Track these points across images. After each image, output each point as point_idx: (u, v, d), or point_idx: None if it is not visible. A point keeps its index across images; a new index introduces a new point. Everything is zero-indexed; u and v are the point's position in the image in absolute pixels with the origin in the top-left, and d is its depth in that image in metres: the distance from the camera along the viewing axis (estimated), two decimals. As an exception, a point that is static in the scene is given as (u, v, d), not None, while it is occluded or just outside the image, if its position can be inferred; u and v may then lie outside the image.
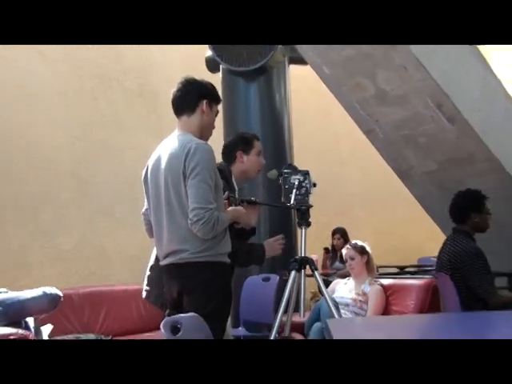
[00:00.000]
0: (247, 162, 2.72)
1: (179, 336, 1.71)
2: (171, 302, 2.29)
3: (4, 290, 3.10)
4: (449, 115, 3.87)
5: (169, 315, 2.24)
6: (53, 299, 3.11)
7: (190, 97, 2.29)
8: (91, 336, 3.39)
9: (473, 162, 4.07)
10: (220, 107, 4.82)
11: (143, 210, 2.44)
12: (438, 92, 3.77)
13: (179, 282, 2.22)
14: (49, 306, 3.08)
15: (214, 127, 2.40)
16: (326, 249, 6.11)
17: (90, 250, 5.09)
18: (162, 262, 2.31)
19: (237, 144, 2.75)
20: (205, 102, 2.29)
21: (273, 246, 2.67)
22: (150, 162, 2.35)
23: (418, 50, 3.63)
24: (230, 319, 2.65)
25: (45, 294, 3.09)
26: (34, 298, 3.04)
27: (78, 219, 5.35)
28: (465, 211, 3.31)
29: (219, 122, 4.81)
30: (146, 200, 2.39)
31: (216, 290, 2.19)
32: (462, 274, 3.16)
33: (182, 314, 1.90)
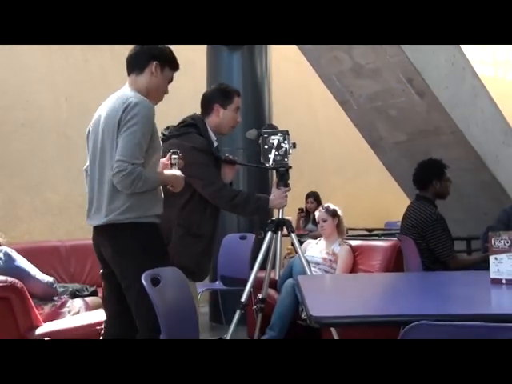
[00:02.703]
0: (223, 116, 2.53)
1: (159, 287, 1.70)
2: (103, 261, 2.14)
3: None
4: (419, 90, 3.86)
5: (103, 274, 2.16)
6: (51, 293, 3.02)
7: (142, 56, 2.14)
8: (77, 286, 3.39)
9: (439, 134, 4.10)
10: (204, 75, 4.83)
11: (85, 167, 2.24)
12: (409, 67, 3.74)
13: (111, 243, 2.06)
14: (44, 294, 2.98)
15: (165, 92, 2.22)
16: (300, 209, 6.16)
17: (76, 206, 5.02)
18: (91, 222, 2.13)
19: (216, 96, 2.55)
20: (155, 63, 2.14)
21: (279, 197, 2.57)
22: (94, 117, 2.18)
23: (393, 26, 3.58)
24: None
25: (49, 284, 3.02)
26: (38, 280, 2.95)
27: (64, 176, 5.26)
28: (427, 178, 3.35)
29: (202, 88, 4.78)
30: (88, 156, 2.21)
31: (149, 252, 2.03)
32: (423, 237, 3.21)
33: (161, 268, 1.86)
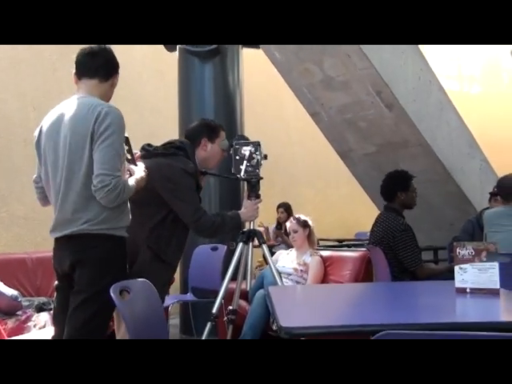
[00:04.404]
0: (210, 151, 2.50)
1: (128, 300, 1.68)
2: (61, 274, 2.05)
3: None
4: (387, 102, 3.95)
5: (57, 288, 2.08)
6: (15, 306, 2.94)
7: (110, 66, 2.08)
8: (43, 299, 3.31)
9: (407, 146, 4.19)
10: (175, 85, 4.83)
11: (34, 177, 2.16)
12: (378, 80, 3.83)
13: (73, 254, 1.96)
14: (8, 308, 2.90)
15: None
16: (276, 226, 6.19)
17: (42, 217, 4.94)
18: (55, 234, 2.03)
19: (203, 130, 2.53)
20: (117, 76, 2.11)
21: (251, 210, 2.55)
22: (45, 124, 2.07)
23: (362, 40, 3.66)
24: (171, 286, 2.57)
25: (13, 298, 2.93)
26: (1, 293, 2.88)
27: (31, 187, 5.15)
28: (392, 190, 3.41)
29: (174, 98, 4.78)
30: (38, 166, 2.11)
31: (112, 265, 1.97)
32: (392, 247, 3.26)
33: (131, 280, 1.84)
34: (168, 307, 3.34)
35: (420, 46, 4.21)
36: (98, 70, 2.07)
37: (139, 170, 2.13)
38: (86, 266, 1.95)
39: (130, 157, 2.11)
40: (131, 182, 2.01)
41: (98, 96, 2.05)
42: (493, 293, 1.71)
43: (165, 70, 5.61)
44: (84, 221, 1.95)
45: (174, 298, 3.63)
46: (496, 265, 1.74)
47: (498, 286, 1.72)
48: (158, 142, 2.54)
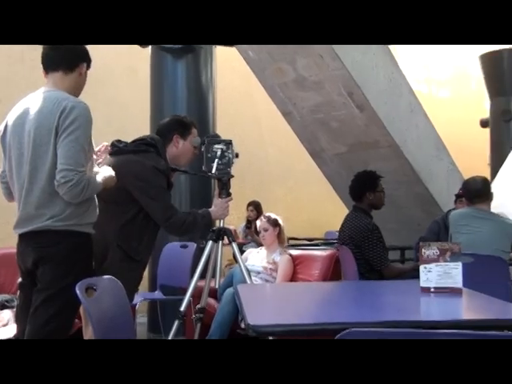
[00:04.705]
0: (182, 148, 2.49)
1: (94, 298, 1.66)
2: (24, 271, 2.01)
3: None
4: (359, 103, 3.99)
5: (21, 285, 2.05)
6: None
7: (73, 56, 2.04)
8: (7, 297, 3.24)
9: (378, 147, 4.24)
10: (147, 82, 4.78)
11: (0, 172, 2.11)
12: (350, 81, 3.87)
13: (37, 251, 1.93)
14: None
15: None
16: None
17: (5, 213, 4.83)
18: (18, 230, 1.99)
19: (175, 127, 2.51)
20: (85, 64, 2.07)
21: (222, 208, 2.55)
22: (11, 118, 2.02)
23: (335, 41, 3.69)
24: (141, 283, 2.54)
25: None
26: None
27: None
28: (361, 191, 3.46)
29: (146, 94, 4.73)
30: (3, 161, 2.05)
31: (77, 261, 1.94)
32: (359, 247, 3.31)
33: (98, 277, 1.81)
34: (135, 305, 3.31)
35: (392, 50, 4.27)
36: (61, 61, 2.02)
37: (109, 169, 2.10)
38: (49, 262, 1.92)
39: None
40: (98, 178, 1.98)
41: (66, 88, 2.01)
42: (456, 292, 1.75)
43: (137, 66, 5.54)
44: (48, 217, 1.91)
45: (141, 295, 3.59)
46: (459, 265, 1.78)
47: (460, 286, 1.76)
48: (128, 139, 2.51)
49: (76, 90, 2.07)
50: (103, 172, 2.08)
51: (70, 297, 1.66)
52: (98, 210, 2.06)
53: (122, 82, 5.91)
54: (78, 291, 1.60)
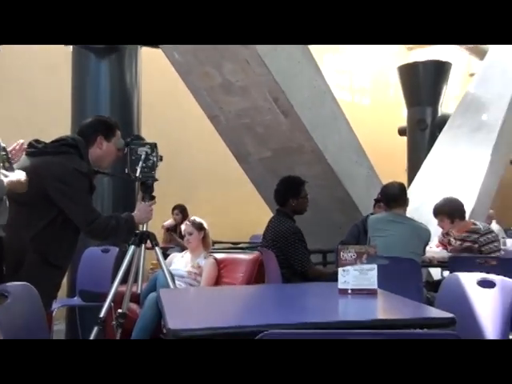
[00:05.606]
0: (106, 149, 2.39)
1: (6, 305, 1.58)
2: None
3: None
4: (283, 109, 4.07)
5: None
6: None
7: None
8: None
9: (301, 152, 4.35)
10: (69, 81, 4.60)
11: None
12: (275, 87, 3.94)
13: None
14: None
15: None
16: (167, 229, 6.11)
17: None
18: None
19: (98, 127, 2.42)
20: None
21: (145, 212, 2.49)
22: None
23: (261, 47, 3.75)
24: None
25: None
26: None
27: None
28: (284, 196, 3.51)
29: (67, 93, 4.55)
30: None
31: None
32: (282, 250, 3.37)
33: (10, 283, 1.73)
34: (52, 312, 3.17)
35: (316, 58, 4.39)
36: None
37: (18, 174, 2.00)
38: None
39: (8, 164, 1.99)
40: (4, 180, 1.89)
41: None
42: (371, 293, 1.83)
43: (58, 64, 5.33)
44: None
45: (59, 302, 3.45)
46: (375, 267, 1.86)
47: (375, 287, 1.84)
48: (49, 139, 2.39)
49: None
50: (12, 176, 1.98)
51: None
52: (7, 213, 1.97)
53: (41, 80, 5.65)
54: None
